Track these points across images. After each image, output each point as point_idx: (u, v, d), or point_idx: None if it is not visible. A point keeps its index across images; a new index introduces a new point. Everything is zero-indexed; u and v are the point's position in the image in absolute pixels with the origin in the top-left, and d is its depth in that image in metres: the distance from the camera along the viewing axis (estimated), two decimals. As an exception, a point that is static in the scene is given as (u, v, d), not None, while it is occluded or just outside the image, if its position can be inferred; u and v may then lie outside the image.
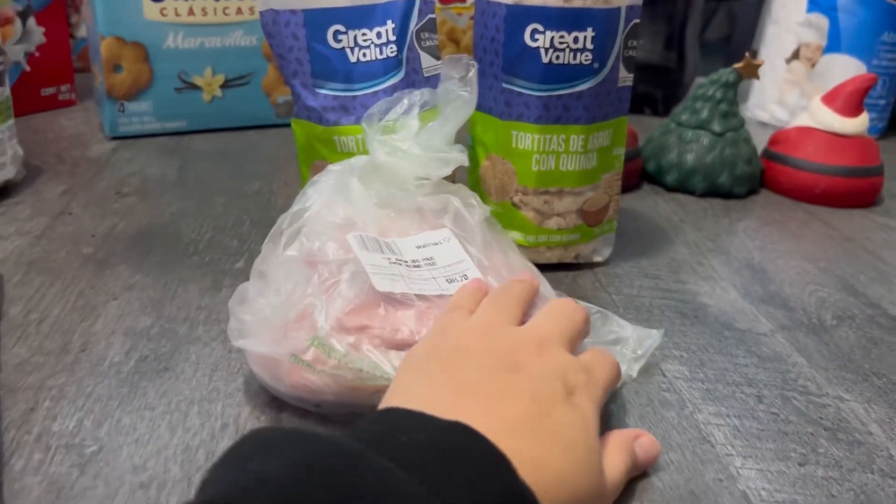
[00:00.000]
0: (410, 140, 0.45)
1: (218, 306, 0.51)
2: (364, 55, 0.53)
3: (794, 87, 1.06)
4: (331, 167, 0.47)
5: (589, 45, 0.52)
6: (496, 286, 0.43)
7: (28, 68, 0.91)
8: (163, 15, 0.83)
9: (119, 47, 0.82)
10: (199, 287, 0.53)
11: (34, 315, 0.48)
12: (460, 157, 0.46)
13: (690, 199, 0.77)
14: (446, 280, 0.42)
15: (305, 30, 0.52)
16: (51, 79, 0.94)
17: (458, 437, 0.28)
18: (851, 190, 0.76)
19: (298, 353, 0.38)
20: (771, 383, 0.46)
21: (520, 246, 0.54)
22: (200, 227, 0.63)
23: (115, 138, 0.86)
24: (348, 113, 0.53)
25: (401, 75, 0.53)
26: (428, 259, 0.43)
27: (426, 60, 0.55)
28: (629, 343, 0.46)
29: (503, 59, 0.53)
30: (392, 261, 0.42)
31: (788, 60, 1.06)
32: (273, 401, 0.41)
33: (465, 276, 0.43)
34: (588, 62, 0.53)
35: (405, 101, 0.47)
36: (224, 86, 0.88)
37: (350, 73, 0.53)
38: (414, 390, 0.33)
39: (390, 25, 0.52)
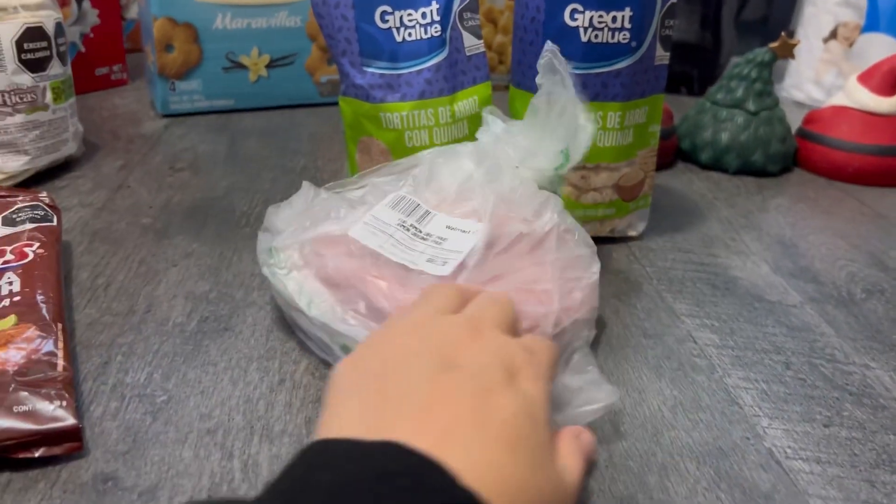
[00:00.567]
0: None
1: (271, 273, 0.54)
2: (409, 35, 0.55)
3: (831, 67, 1.06)
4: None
5: (627, 25, 0.54)
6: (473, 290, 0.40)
7: (83, 49, 0.95)
8: (211, -3, 0.86)
9: (171, 28, 0.85)
10: (253, 256, 0.56)
11: (101, 280, 0.52)
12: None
13: (724, 177, 0.79)
14: (427, 259, 0.42)
15: (354, 11, 0.54)
16: (104, 59, 0.98)
17: (389, 460, 0.25)
18: (885, 169, 0.77)
19: (272, 250, 0.46)
20: (799, 351, 0.48)
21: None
22: (251, 201, 0.66)
23: (166, 116, 0.90)
24: (394, 90, 0.55)
25: (444, 54, 0.55)
26: (440, 238, 0.44)
27: (468, 40, 0.57)
28: (581, 393, 0.39)
29: (543, 39, 0.55)
30: (402, 223, 0.45)
31: (826, 40, 1.06)
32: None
33: (445, 263, 0.42)
34: (626, 41, 0.54)
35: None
36: (269, 65, 0.91)
37: (396, 52, 0.55)
38: (345, 414, 0.29)
39: (434, 6, 0.55)
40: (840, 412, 0.42)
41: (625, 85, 0.56)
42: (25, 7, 0.63)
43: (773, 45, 0.78)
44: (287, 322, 0.47)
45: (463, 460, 0.26)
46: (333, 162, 0.77)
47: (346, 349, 0.41)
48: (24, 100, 0.63)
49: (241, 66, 0.90)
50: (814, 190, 0.76)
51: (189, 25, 0.86)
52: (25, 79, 0.63)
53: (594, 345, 0.47)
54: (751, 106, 0.78)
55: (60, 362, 0.39)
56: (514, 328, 0.36)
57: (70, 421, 0.36)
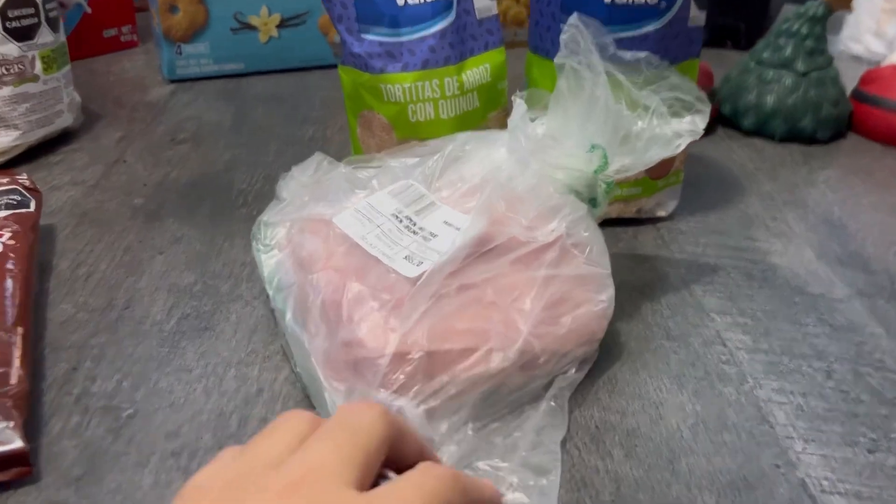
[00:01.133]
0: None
1: (262, 262, 0.50)
2: (412, -2, 0.50)
3: (894, 17, 0.96)
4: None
5: (655, -17, 0.48)
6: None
7: (89, 10, 0.91)
8: (218, -48, 0.81)
9: (175, -13, 0.81)
10: (246, 242, 0.52)
11: (82, 270, 0.49)
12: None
13: (768, 145, 0.72)
14: (405, 256, 0.38)
15: (349, -29, 0.49)
16: (112, 19, 0.94)
17: None
18: (952, 135, 0.69)
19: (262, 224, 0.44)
20: (843, 356, 0.43)
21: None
22: (252, 177, 0.62)
23: (173, 81, 0.86)
24: (395, 59, 0.50)
25: (451, 18, 0.50)
26: (432, 234, 0.40)
27: (479, 1, 0.52)
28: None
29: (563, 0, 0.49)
30: (397, 213, 0.40)
31: (889, -14, 0.96)
32: (309, 366, 0.40)
33: (420, 263, 0.37)
34: (654, 2, 0.48)
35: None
36: (280, 25, 0.86)
37: (397, 17, 0.50)
38: None
39: (439, -34, 0.49)
40: (888, 434, 0.37)
41: (653, 51, 0.50)
42: (9, -29, 0.59)
43: (828, -4, 0.70)
44: (273, 319, 0.43)
45: None
46: (343, 132, 0.72)
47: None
48: (11, 71, 0.60)
49: (251, 27, 0.85)
50: (869, 160, 0.69)
51: (194, -16, 0.81)
52: (11, 48, 0.59)
53: (608, 349, 0.42)
54: (800, 66, 0.70)
55: (15, 373, 0.36)
56: (372, 466, 0.25)
57: (17, 444, 0.33)
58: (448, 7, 0.50)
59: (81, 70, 0.86)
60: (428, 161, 0.44)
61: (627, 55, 0.44)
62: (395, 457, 0.26)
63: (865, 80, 0.75)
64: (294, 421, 0.26)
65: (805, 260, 0.52)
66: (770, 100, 0.71)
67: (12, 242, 0.44)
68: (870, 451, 0.36)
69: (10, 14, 0.59)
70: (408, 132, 0.52)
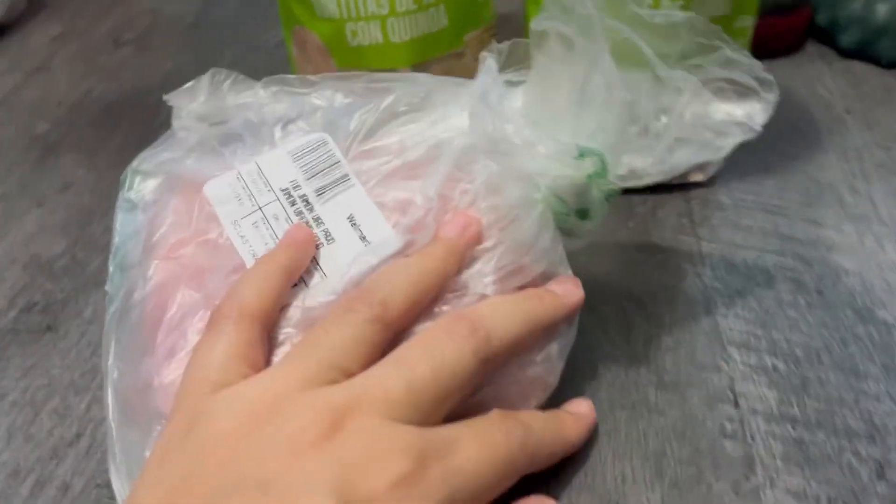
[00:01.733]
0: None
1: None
2: None
3: None
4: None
5: None
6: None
7: None
8: None
9: None
10: None
11: (-63, 225, 0.40)
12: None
13: (872, 72, 0.54)
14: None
15: None
16: None
17: None
18: None
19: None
20: (910, 439, 0.29)
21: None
22: (189, 97, 0.50)
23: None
24: (327, -40, 0.36)
25: None
26: (328, 234, 0.29)
27: None
28: None
29: None
30: (290, 189, 0.30)
31: None
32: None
33: (293, 286, 0.28)
34: None
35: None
36: None
37: None
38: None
39: None
40: None
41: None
42: None
43: None
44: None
45: None
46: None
47: None
48: None
49: None
50: None
51: None
52: None
53: (570, 397, 0.30)
54: (931, -36, 0.52)
55: None
56: (461, 393, 0.25)
57: None
58: None
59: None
60: (360, 107, 0.31)
61: (657, 16, 0.29)
62: None
63: None
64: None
65: (885, 263, 0.37)
66: (882, 10, 0.53)
67: None
68: None
69: None
70: (349, 59, 0.39)
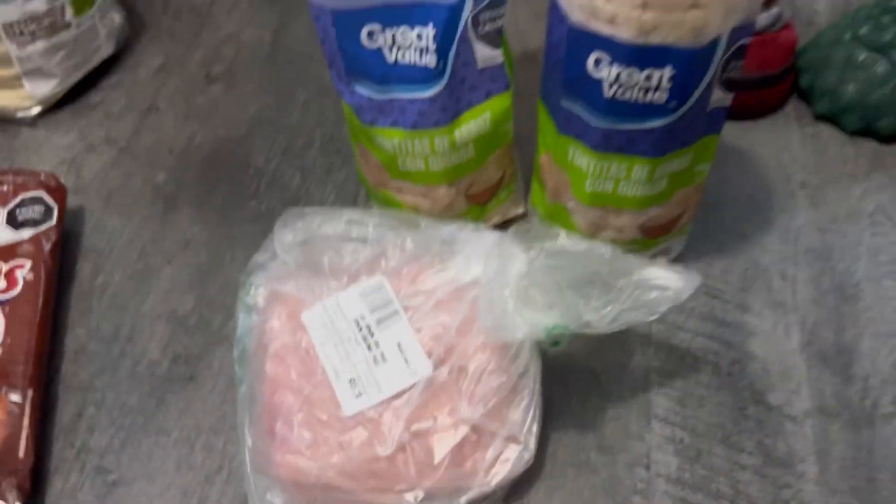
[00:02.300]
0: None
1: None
2: (403, 56, 0.46)
3: None
4: None
5: (665, 85, 0.42)
6: None
7: None
8: None
9: None
10: (246, 255, 0.53)
11: (100, 279, 0.54)
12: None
13: (836, 139, 0.63)
14: (350, 379, 0.43)
15: (335, 29, 0.45)
16: None
17: None
18: None
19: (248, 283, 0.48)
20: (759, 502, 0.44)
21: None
22: (270, 148, 0.62)
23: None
24: (385, 115, 0.48)
25: (442, 84, 0.46)
26: (383, 356, 0.44)
27: (482, 52, 0.47)
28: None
29: (563, 77, 0.45)
30: (359, 320, 0.45)
31: None
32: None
33: (360, 396, 0.42)
34: (662, 102, 0.43)
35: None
36: None
37: (386, 75, 0.47)
38: None
39: (431, 31, 0.45)
40: None
41: (656, 144, 0.45)
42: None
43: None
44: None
45: None
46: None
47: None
48: (42, 25, 0.60)
49: None
50: (944, 178, 0.61)
51: None
52: (38, 4, 0.59)
53: (537, 455, 0.44)
54: (897, 57, 0.60)
55: (23, 444, 0.44)
56: None
57: (19, 530, 0.42)
58: (439, 76, 0.46)
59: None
60: (409, 261, 0.46)
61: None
62: None
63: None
64: None
65: (787, 350, 0.50)
66: (850, 89, 0.62)
67: (31, 277, 0.50)
68: None
69: (33, -31, 0.58)
70: (400, 177, 0.52)
